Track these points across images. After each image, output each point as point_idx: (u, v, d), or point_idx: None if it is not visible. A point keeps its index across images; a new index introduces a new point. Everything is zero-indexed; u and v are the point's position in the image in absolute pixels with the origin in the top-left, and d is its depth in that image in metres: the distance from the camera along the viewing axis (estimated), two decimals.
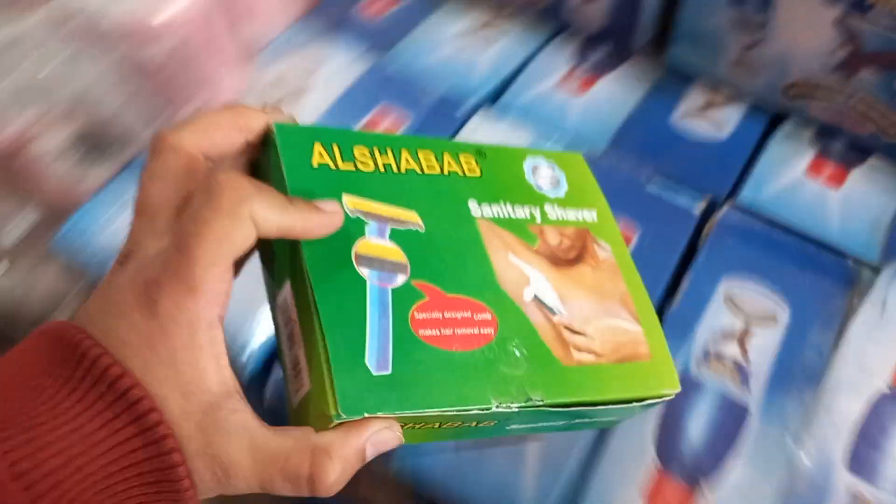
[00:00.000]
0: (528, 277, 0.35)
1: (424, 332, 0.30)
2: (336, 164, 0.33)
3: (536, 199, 0.38)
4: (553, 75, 0.62)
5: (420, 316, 0.31)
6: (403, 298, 0.31)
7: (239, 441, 0.26)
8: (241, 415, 0.26)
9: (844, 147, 0.57)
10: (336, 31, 0.65)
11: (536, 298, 0.34)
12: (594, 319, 0.35)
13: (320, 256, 0.30)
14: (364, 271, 0.30)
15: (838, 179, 0.55)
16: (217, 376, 0.26)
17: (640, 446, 0.43)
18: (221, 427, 0.25)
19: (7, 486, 0.22)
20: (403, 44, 0.64)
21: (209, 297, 0.26)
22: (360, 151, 0.34)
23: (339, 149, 0.34)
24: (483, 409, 0.30)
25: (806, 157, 0.56)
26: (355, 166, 0.34)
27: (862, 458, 0.43)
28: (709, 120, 0.59)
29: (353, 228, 0.31)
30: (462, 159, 0.37)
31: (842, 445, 0.44)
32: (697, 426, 0.43)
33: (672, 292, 0.49)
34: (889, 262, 0.50)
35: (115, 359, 0.25)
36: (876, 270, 0.50)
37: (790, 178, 0.55)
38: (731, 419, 0.44)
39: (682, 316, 0.47)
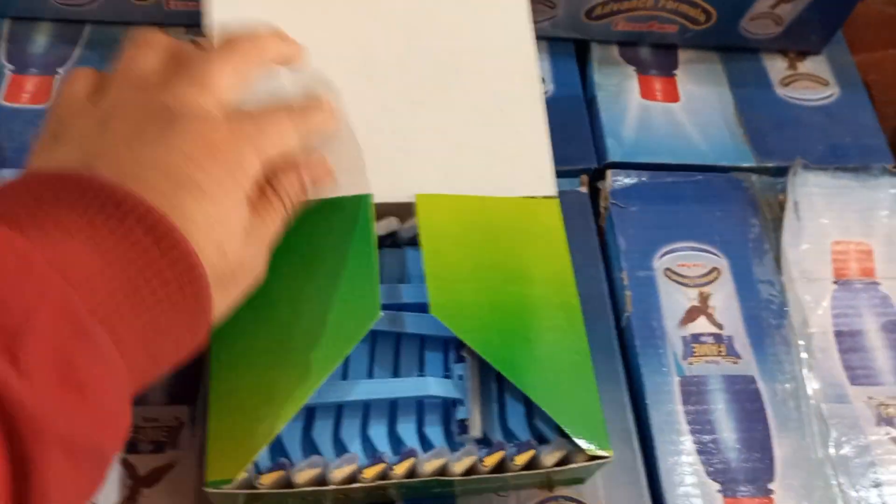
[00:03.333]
0: None
1: None
2: None
3: None
4: None
5: None
6: None
7: None
8: None
9: (652, 55, 0.55)
10: None
11: None
12: None
13: None
14: None
15: (672, 92, 0.53)
16: None
17: (696, 480, 0.39)
18: None
19: (45, 273, 0.22)
20: None
21: None
22: None
23: None
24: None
25: (631, 80, 0.53)
26: None
27: (854, 366, 0.44)
28: None
29: None
30: None
31: (837, 363, 0.44)
32: (727, 426, 0.41)
33: (612, 294, 0.44)
34: (763, 160, 0.50)
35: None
36: (760, 172, 0.49)
37: (634, 111, 0.52)
38: (749, 398, 0.42)
39: (642, 318, 0.43)
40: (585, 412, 0.34)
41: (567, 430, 0.33)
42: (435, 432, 0.36)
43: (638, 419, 0.41)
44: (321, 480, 0.32)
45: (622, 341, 0.43)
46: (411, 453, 0.33)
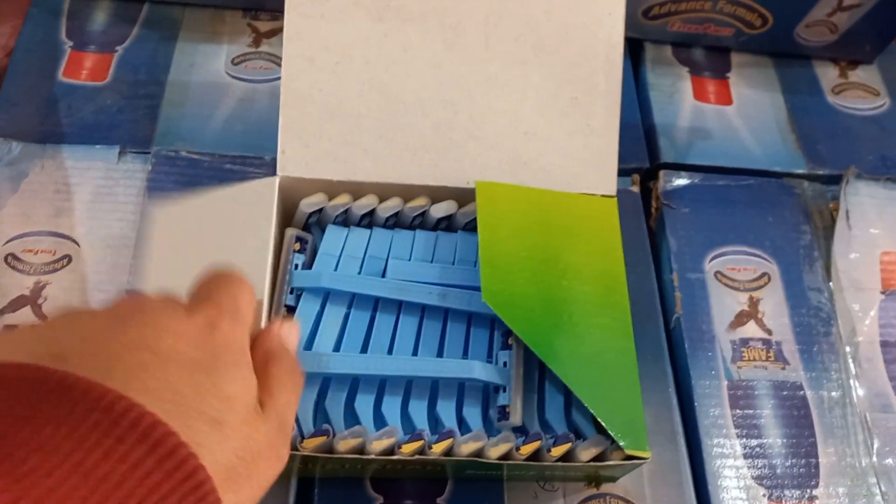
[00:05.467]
0: None
1: None
2: None
3: None
4: None
5: None
6: None
7: None
8: None
9: (705, 57, 0.55)
10: None
11: None
12: None
13: None
14: None
15: (725, 95, 0.53)
16: None
17: (742, 483, 0.39)
18: None
19: None
20: None
21: None
22: None
23: None
24: None
25: (685, 81, 0.53)
26: None
27: None
28: None
29: None
30: None
31: (882, 373, 0.44)
32: (774, 432, 0.41)
33: (661, 295, 0.45)
34: (815, 167, 0.50)
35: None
36: (811, 179, 0.49)
37: (687, 112, 0.52)
38: (796, 405, 0.42)
39: (692, 321, 0.43)
40: (627, 411, 0.34)
41: (607, 427, 0.33)
42: (473, 415, 0.36)
43: (685, 421, 0.41)
44: (361, 450, 0.33)
45: (671, 343, 0.43)
46: (450, 433, 0.34)
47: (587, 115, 0.41)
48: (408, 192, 0.40)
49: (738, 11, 0.52)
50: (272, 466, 0.25)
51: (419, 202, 0.40)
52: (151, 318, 0.24)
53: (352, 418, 0.36)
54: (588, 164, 0.41)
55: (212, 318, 0.25)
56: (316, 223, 0.41)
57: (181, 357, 0.23)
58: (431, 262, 0.39)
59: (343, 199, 0.40)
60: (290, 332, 0.29)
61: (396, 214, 0.40)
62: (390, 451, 0.34)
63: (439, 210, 0.40)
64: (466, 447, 0.34)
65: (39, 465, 0.19)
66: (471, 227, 0.41)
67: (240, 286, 0.27)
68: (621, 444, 0.33)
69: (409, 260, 0.39)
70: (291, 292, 0.38)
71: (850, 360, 0.43)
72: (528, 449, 0.34)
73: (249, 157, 0.46)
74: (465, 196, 0.40)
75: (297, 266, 0.38)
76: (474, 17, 0.40)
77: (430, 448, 0.33)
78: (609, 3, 0.41)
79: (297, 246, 0.39)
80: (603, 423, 0.34)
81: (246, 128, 0.47)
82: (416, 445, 0.33)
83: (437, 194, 0.41)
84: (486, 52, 0.40)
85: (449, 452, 0.34)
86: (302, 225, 0.41)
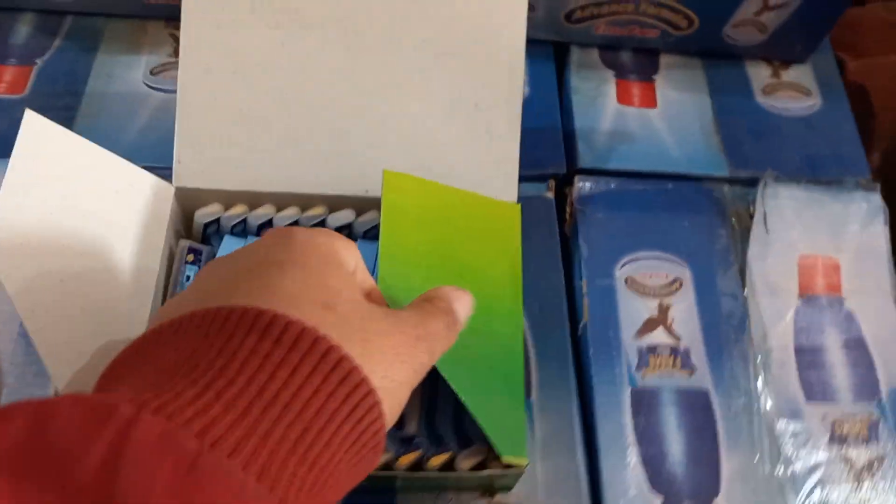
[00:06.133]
0: None
1: None
2: None
3: None
4: None
5: None
6: None
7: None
8: None
9: (633, 59, 0.54)
10: None
11: None
12: None
13: None
14: None
15: (650, 97, 0.52)
16: None
17: (639, 492, 0.39)
18: None
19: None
20: None
21: None
22: None
23: None
24: None
25: (609, 84, 0.53)
26: None
27: (811, 382, 0.43)
28: None
29: None
30: None
31: (793, 379, 0.43)
32: (676, 440, 0.41)
33: (572, 302, 0.44)
34: (737, 170, 0.49)
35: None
36: (732, 182, 0.49)
37: (609, 116, 0.51)
38: (700, 412, 0.41)
39: (598, 328, 0.43)
40: (508, 418, 0.34)
41: (487, 434, 0.33)
42: None
43: (586, 429, 0.41)
44: None
45: (577, 350, 0.43)
46: None
47: (489, 121, 0.41)
48: (306, 201, 0.40)
49: (661, 13, 0.52)
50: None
51: (317, 211, 0.40)
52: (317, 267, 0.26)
53: None
54: (489, 170, 0.41)
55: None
56: (215, 233, 0.41)
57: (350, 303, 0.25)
58: None
59: (239, 209, 0.40)
60: (463, 297, 0.30)
61: (295, 224, 0.40)
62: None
63: (338, 219, 0.40)
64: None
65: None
66: (370, 235, 0.41)
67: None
68: (498, 451, 0.33)
69: None
70: None
71: (761, 367, 0.43)
72: (406, 459, 0.34)
73: (160, 168, 0.46)
74: (364, 205, 0.40)
75: (188, 278, 0.39)
76: (375, 24, 0.40)
77: None
78: (511, 10, 0.41)
79: (191, 257, 0.39)
80: (483, 430, 0.34)
81: (160, 137, 0.47)
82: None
83: (336, 203, 0.41)
84: (388, 58, 0.40)
85: None
86: (200, 236, 0.41)
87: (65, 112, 0.48)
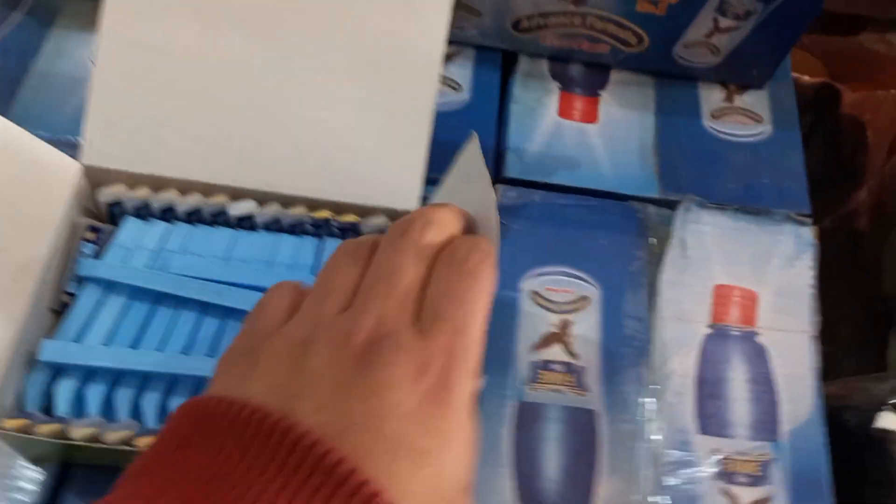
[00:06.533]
0: None
1: None
2: None
3: None
4: None
5: None
6: None
7: None
8: None
9: (583, 73, 0.54)
10: None
11: None
12: None
13: None
14: None
15: (592, 112, 0.52)
16: None
17: (501, 499, 0.39)
18: None
19: None
20: None
21: None
22: None
23: None
24: None
25: (552, 96, 0.52)
26: None
27: (708, 414, 0.43)
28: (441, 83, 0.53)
29: None
30: None
31: (689, 409, 0.43)
32: (554, 458, 0.40)
33: None
34: (669, 192, 0.49)
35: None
36: (660, 204, 0.48)
37: (546, 128, 0.51)
38: (584, 433, 0.41)
39: (495, 338, 0.43)
40: None
41: None
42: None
43: None
44: (96, 438, 0.34)
45: None
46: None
47: (399, 128, 0.41)
48: (210, 190, 0.41)
49: (609, 28, 0.51)
50: None
51: (219, 199, 0.41)
52: (379, 389, 0.23)
53: (108, 409, 0.37)
54: (395, 178, 0.41)
55: (440, 384, 0.24)
56: (121, 215, 0.42)
57: (405, 442, 0.23)
58: (227, 260, 0.40)
59: (142, 193, 0.41)
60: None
61: (198, 212, 0.41)
62: (127, 441, 0.34)
63: (239, 208, 0.41)
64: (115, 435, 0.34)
65: None
66: (272, 228, 0.41)
67: (477, 288, 0.25)
68: None
69: (203, 257, 0.40)
70: (79, 282, 0.39)
71: (656, 394, 0.42)
72: (115, 436, 0.34)
73: None
74: (265, 198, 0.41)
75: (85, 255, 0.40)
76: (297, 24, 0.41)
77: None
78: (431, 20, 0.41)
79: (92, 235, 0.40)
80: None
81: None
82: (121, 435, 0.34)
83: (238, 195, 0.41)
84: (306, 59, 0.40)
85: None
86: (106, 216, 0.42)
87: (10, 85, 0.49)
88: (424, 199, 0.41)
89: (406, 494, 0.22)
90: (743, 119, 0.53)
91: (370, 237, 0.28)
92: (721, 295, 0.45)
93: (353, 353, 0.24)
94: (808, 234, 0.47)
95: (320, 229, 0.42)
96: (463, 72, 0.53)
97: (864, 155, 0.75)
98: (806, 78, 0.74)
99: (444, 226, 0.27)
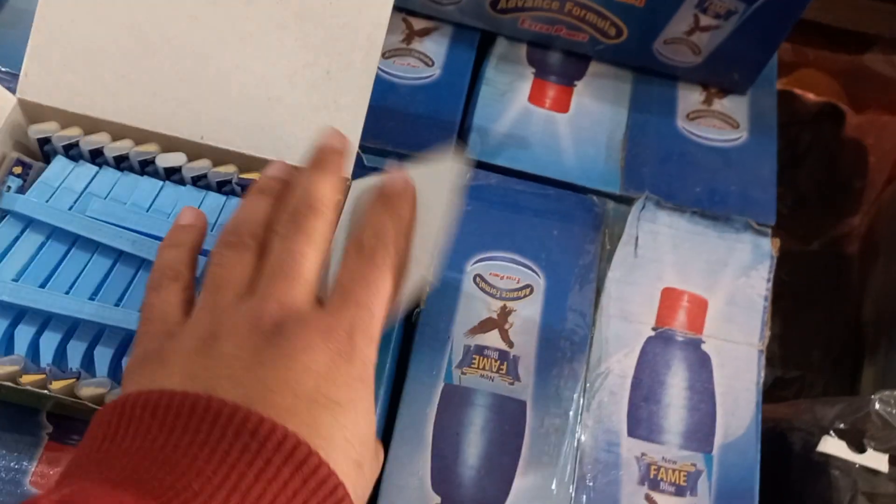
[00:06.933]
0: None
1: None
2: None
3: None
4: None
5: None
6: None
7: None
8: None
9: (560, 62, 0.52)
10: None
11: None
12: None
13: None
14: None
15: (564, 102, 0.50)
16: None
17: (419, 495, 0.38)
18: None
19: None
20: None
21: None
22: None
23: None
24: None
25: (525, 81, 0.51)
26: None
27: (641, 417, 0.41)
28: (414, 56, 0.51)
29: None
30: None
31: (622, 410, 0.41)
32: (476, 445, 0.39)
33: None
34: (631, 189, 0.47)
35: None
36: (620, 201, 0.47)
37: (513, 113, 0.49)
38: (510, 422, 0.40)
39: (432, 318, 0.42)
40: None
41: None
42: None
43: (387, 419, 0.40)
44: (11, 378, 0.33)
45: (408, 336, 0.42)
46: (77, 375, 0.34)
47: (338, 91, 0.40)
48: (142, 136, 0.40)
49: (588, 17, 0.50)
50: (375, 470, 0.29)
51: (149, 148, 0.40)
52: (291, 354, 0.26)
53: (8, 347, 0.35)
54: None
55: (347, 344, 0.26)
56: (54, 153, 0.41)
57: (321, 397, 0.25)
58: (147, 210, 0.39)
59: (73, 132, 0.39)
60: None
61: (126, 158, 0.40)
62: (12, 378, 0.33)
63: (167, 160, 0.40)
64: (87, 391, 0.33)
65: (202, 490, 0.22)
66: (201, 184, 0.40)
67: (382, 276, 0.28)
68: None
69: (125, 205, 0.39)
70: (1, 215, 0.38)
71: (587, 392, 0.41)
72: (58, 385, 0.33)
73: None
74: (197, 151, 0.40)
75: (9, 188, 0.38)
76: None
77: (51, 384, 0.33)
78: None
79: (18, 169, 0.39)
80: None
81: None
82: (36, 378, 0.33)
83: (169, 145, 0.40)
84: (246, 10, 0.39)
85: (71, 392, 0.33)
86: (40, 154, 0.41)
87: None
88: (361, 163, 0.40)
89: (330, 442, 0.24)
90: (719, 123, 0.51)
91: (247, 226, 0.30)
92: (669, 298, 0.44)
93: (263, 333, 0.26)
94: (767, 244, 0.45)
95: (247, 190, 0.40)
96: (437, 48, 0.52)
97: (864, 179, 0.73)
98: (811, 95, 0.72)
99: (327, 208, 0.30)
